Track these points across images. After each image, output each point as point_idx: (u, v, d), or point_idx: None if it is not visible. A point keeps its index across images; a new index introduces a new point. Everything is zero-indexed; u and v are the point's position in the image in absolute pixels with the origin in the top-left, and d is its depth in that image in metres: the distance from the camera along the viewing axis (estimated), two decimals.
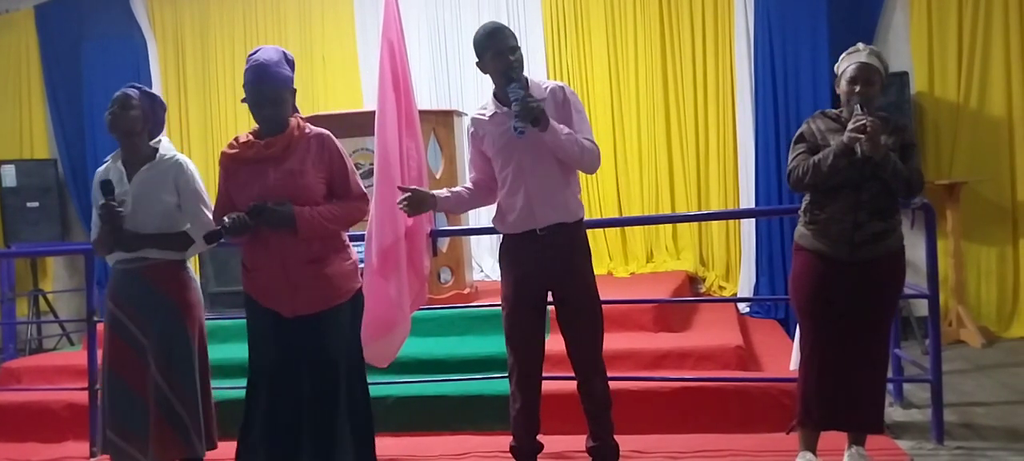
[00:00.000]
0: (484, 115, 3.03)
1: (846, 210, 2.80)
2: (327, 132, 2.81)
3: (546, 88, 2.96)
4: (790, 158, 2.93)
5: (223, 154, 2.78)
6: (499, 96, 2.98)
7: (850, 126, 2.70)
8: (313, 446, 2.70)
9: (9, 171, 7.16)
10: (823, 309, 2.88)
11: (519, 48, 2.92)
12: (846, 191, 2.79)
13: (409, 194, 2.96)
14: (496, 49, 2.89)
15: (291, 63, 2.80)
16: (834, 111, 2.94)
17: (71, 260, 7.56)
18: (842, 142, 2.72)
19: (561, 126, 2.85)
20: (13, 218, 7.17)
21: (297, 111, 2.83)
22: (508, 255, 3.03)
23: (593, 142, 2.94)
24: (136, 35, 7.38)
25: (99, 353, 4.02)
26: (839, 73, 2.90)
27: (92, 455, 3.98)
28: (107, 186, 2.82)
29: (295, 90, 2.80)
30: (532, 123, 2.76)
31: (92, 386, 4.01)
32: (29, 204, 7.18)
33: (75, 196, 7.51)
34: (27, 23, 7.67)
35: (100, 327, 4.14)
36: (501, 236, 3.08)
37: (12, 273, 7.00)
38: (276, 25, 7.29)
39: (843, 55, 2.93)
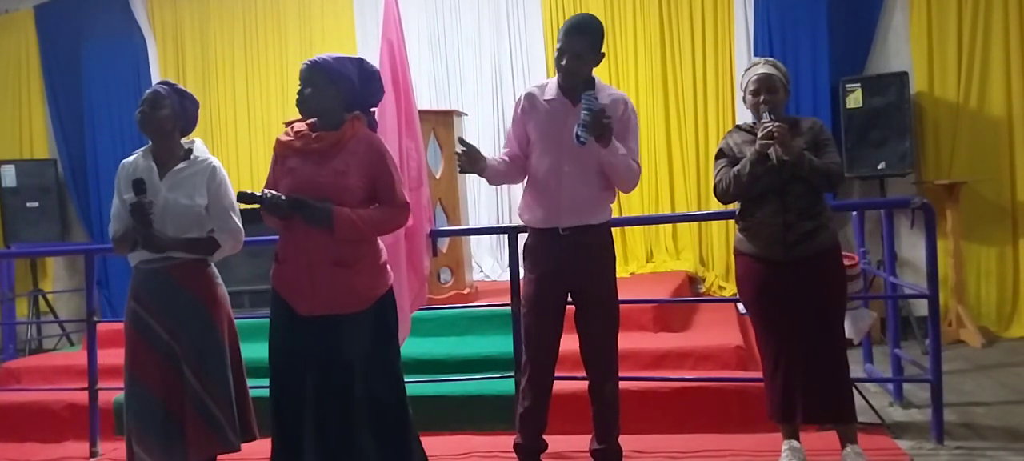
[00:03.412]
0: (543, 95, 2.96)
1: (775, 213, 2.91)
2: (379, 138, 2.79)
3: (610, 97, 2.90)
4: (714, 174, 3.06)
5: (277, 140, 2.77)
6: (563, 86, 2.92)
7: (759, 135, 2.83)
8: (319, 446, 2.68)
9: (9, 171, 7.17)
10: (768, 309, 2.99)
11: (584, 56, 2.85)
12: (772, 195, 2.91)
13: (466, 149, 2.87)
14: (560, 48, 2.86)
15: (363, 69, 2.76)
16: (748, 124, 3.08)
17: (71, 260, 7.56)
18: (755, 150, 2.84)
19: (618, 144, 2.82)
20: (13, 218, 7.17)
21: (361, 116, 2.77)
22: (533, 253, 3.01)
23: (638, 164, 2.92)
24: (136, 35, 7.39)
25: (99, 353, 4.07)
26: (743, 89, 3.04)
27: (92, 455, 3.98)
28: (140, 185, 2.77)
29: (343, 89, 2.71)
30: (596, 137, 2.73)
31: (92, 386, 4.01)
32: (29, 204, 7.18)
33: (75, 196, 7.51)
34: (27, 23, 7.68)
35: (100, 327, 4.19)
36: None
37: (12, 273, 7.01)
38: (276, 25, 7.30)
39: (742, 72, 3.09)
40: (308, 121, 2.77)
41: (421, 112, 3.89)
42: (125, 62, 7.32)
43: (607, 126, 2.72)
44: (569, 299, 3.02)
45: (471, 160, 2.88)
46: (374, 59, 3.57)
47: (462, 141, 2.91)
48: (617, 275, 3.09)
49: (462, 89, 6.94)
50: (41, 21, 7.63)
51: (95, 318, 4.12)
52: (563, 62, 2.85)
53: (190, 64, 7.47)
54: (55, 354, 5.89)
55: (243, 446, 2.96)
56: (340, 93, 2.71)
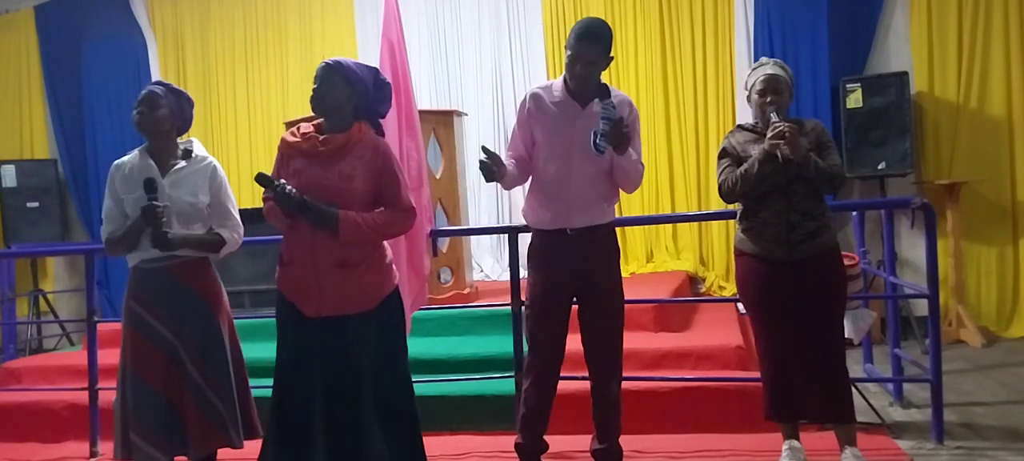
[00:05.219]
0: (549, 96, 2.94)
1: (779, 213, 2.93)
2: (385, 142, 2.79)
3: (619, 101, 2.88)
4: (717, 173, 3.07)
5: (282, 140, 2.77)
6: (571, 88, 2.90)
7: (769, 134, 2.85)
8: (328, 447, 2.67)
9: (9, 171, 7.17)
10: (770, 309, 3.00)
11: (597, 62, 2.82)
12: (776, 195, 2.93)
13: (490, 156, 2.82)
14: (572, 54, 2.82)
15: (378, 79, 2.78)
16: (750, 123, 3.10)
17: (71, 260, 7.57)
18: (764, 149, 2.86)
19: (631, 150, 2.85)
20: (13, 218, 7.18)
21: (372, 124, 2.79)
22: (538, 254, 3.00)
23: (643, 163, 2.97)
24: (136, 35, 7.40)
25: (99, 353, 4.06)
26: (748, 88, 3.05)
27: (92, 455, 3.98)
28: (152, 184, 2.78)
29: (358, 93, 2.71)
30: (615, 146, 2.75)
31: (92, 386, 4.01)
32: (29, 204, 7.19)
33: (75, 196, 7.51)
34: (27, 23, 7.68)
35: (100, 327, 4.18)
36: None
37: (12, 273, 7.01)
38: (276, 25, 7.30)
39: (749, 72, 3.10)
40: (314, 122, 2.77)
41: (421, 112, 3.89)
42: (125, 62, 7.33)
43: (626, 136, 2.74)
44: (574, 300, 3.01)
45: (493, 169, 2.84)
46: (374, 59, 3.58)
47: (485, 149, 2.87)
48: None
49: (462, 89, 6.93)
50: (41, 21, 7.64)
51: (95, 318, 4.12)
52: (577, 68, 2.83)
53: (190, 64, 7.47)
54: (55, 354, 5.89)
55: (247, 443, 2.97)
56: (354, 97, 2.72)
